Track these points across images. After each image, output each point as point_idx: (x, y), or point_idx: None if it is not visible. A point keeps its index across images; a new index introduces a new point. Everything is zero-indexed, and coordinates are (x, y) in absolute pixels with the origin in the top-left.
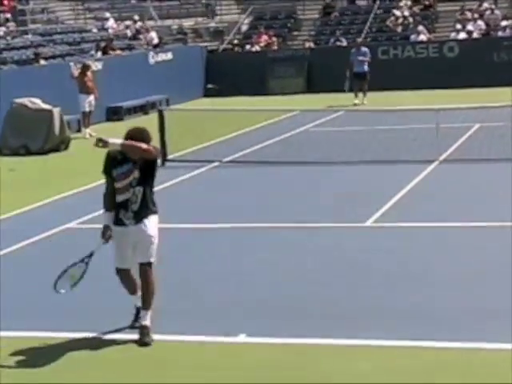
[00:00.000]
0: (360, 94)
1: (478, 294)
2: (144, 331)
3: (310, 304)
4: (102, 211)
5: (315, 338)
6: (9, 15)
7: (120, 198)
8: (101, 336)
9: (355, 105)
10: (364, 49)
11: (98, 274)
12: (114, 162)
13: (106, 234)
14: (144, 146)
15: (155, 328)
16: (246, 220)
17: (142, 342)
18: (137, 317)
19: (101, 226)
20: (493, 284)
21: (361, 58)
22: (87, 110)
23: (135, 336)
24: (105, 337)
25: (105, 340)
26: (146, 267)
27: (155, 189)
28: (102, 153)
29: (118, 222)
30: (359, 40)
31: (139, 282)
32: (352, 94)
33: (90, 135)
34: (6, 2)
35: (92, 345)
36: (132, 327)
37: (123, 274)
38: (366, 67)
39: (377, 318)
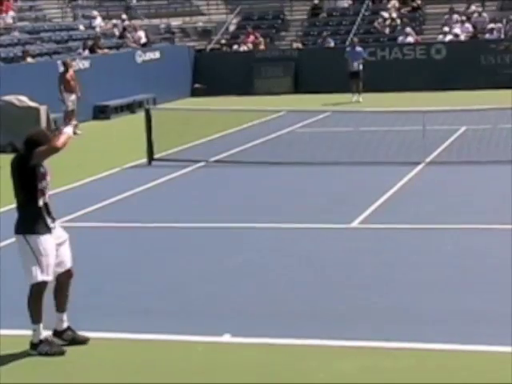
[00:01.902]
0: (356, 93)
1: (464, 295)
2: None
3: (295, 304)
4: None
5: (300, 338)
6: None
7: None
8: (91, 334)
9: (354, 102)
10: (359, 48)
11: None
12: None
13: None
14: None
15: (142, 328)
16: (232, 220)
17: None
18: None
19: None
20: (478, 285)
21: (356, 60)
22: (70, 108)
23: (123, 335)
24: (96, 335)
25: (96, 339)
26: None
27: (141, 188)
28: (89, 152)
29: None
30: (355, 40)
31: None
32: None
33: (75, 133)
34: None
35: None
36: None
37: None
38: (360, 66)
39: (363, 318)
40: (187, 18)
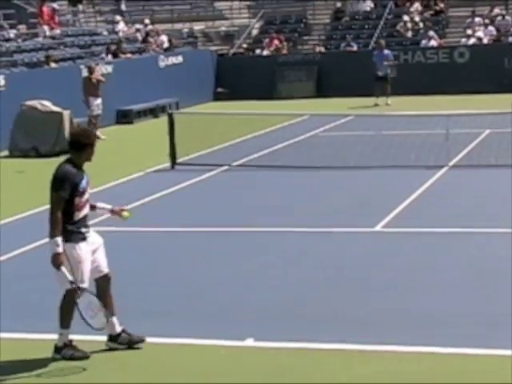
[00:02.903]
0: (383, 97)
1: (486, 299)
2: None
3: (317, 308)
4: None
5: (322, 342)
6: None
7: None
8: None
9: (376, 105)
10: (386, 51)
11: None
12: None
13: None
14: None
15: (162, 331)
16: (256, 224)
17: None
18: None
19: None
20: (501, 288)
21: (385, 62)
22: (95, 113)
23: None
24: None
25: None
26: None
27: (164, 192)
28: (112, 156)
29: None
30: (382, 42)
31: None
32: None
33: (98, 138)
34: (44, 10)
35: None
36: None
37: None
38: (388, 69)
39: (385, 322)
40: (210, 23)
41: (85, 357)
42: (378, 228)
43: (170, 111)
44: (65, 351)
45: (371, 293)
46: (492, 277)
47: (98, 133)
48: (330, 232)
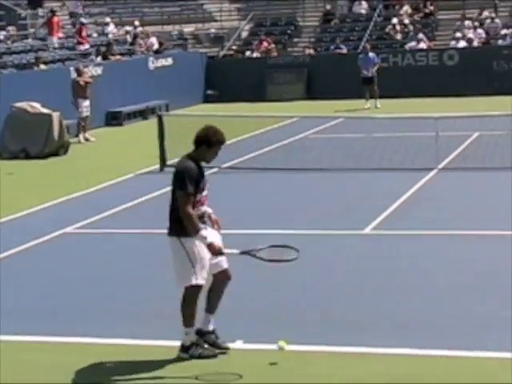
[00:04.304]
0: (371, 100)
1: (477, 302)
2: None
3: (307, 310)
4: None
5: (312, 344)
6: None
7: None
8: (103, 340)
9: (367, 109)
10: (372, 54)
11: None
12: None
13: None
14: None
15: (154, 333)
16: (246, 226)
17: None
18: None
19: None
20: (492, 292)
21: (369, 66)
22: (84, 114)
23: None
24: (102, 341)
25: (103, 344)
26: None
27: (154, 194)
28: (101, 157)
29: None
30: (367, 46)
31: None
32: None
33: (87, 140)
34: (84, 35)
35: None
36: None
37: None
38: (373, 71)
39: (375, 324)
40: (200, 25)
41: (213, 355)
42: (368, 230)
43: (159, 113)
44: (193, 350)
45: (361, 295)
46: (482, 279)
47: (87, 135)
48: (320, 234)
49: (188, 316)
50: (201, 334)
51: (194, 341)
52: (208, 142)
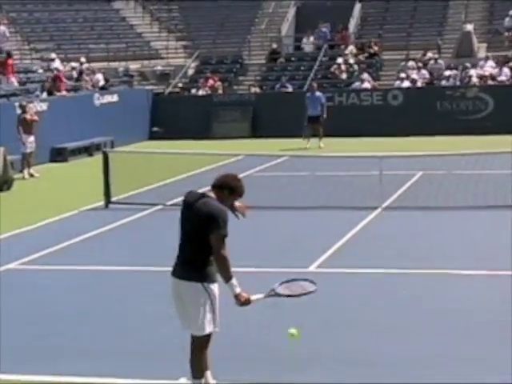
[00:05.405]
0: (315, 139)
1: (419, 339)
2: None
3: (250, 348)
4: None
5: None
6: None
7: None
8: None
9: (308, 148)
10: (318, 93)
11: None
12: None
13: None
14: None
15: (96, 371)
16: None
17: None
18: None
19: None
20: (433, 329)
21: (315, 105)
22: (28, 150)
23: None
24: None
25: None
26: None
27: (98, 231)
28: (45, 193)
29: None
30: (314, 85)
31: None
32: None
33: (31, 175)
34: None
35: None
36: None
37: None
38: (319, 110)
39: (315, 363)
40: (146, 62)
41: None
42: (312, 268)
43: (104, 149)
44: None
45: (304, 333)
46: (427, 317)
47: (32, 170)
48: (263, 272)
49: (200, 366)
50: None
51: None
52: (231, 188)
